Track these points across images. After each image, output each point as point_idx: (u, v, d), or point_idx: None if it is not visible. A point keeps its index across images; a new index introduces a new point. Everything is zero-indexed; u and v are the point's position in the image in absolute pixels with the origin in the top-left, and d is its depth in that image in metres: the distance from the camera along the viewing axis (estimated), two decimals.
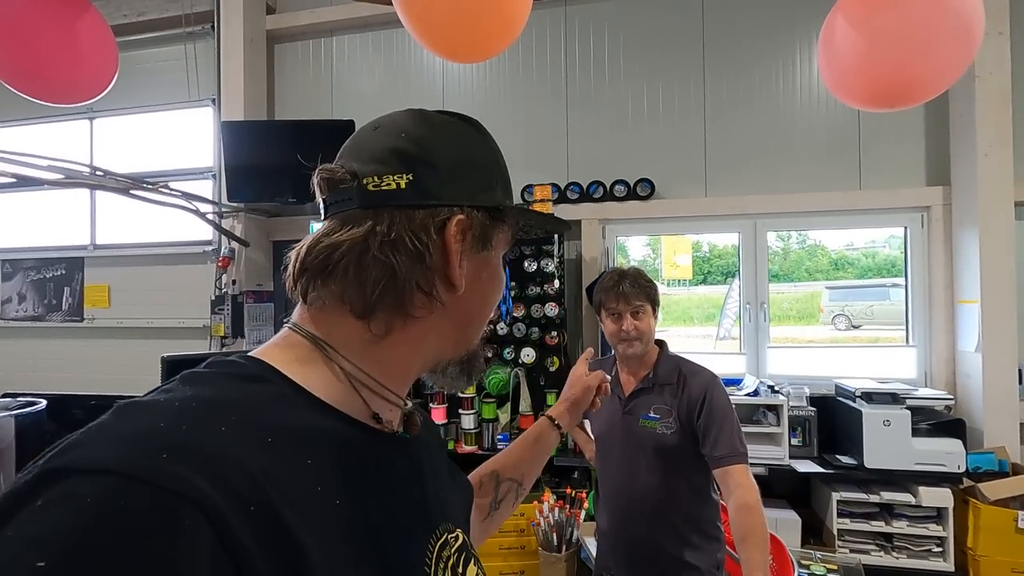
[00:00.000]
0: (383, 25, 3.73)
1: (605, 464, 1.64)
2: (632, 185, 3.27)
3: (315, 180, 0.51)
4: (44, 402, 1.22)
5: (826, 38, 1.38)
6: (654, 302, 1.58)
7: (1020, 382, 2.77)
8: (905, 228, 3.10)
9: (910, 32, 1.17)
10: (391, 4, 1.44)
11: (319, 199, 0.52)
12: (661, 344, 1.65)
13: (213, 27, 3.80)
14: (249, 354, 0.47)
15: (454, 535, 0.55)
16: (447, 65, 3.65)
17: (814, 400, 2.87)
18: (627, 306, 1.55)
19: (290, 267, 0.49)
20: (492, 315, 0.59)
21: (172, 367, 1.24)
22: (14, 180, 2.46)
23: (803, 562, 2.33)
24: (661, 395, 1.56)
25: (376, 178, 0.48)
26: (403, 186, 0.48)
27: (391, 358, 0.50)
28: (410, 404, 0.56)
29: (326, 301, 0.48)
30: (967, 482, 2.56)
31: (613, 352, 1.69)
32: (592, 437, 1.82)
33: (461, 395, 3.07)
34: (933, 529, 2.56)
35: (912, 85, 1.20)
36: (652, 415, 1.54)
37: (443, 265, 0.49)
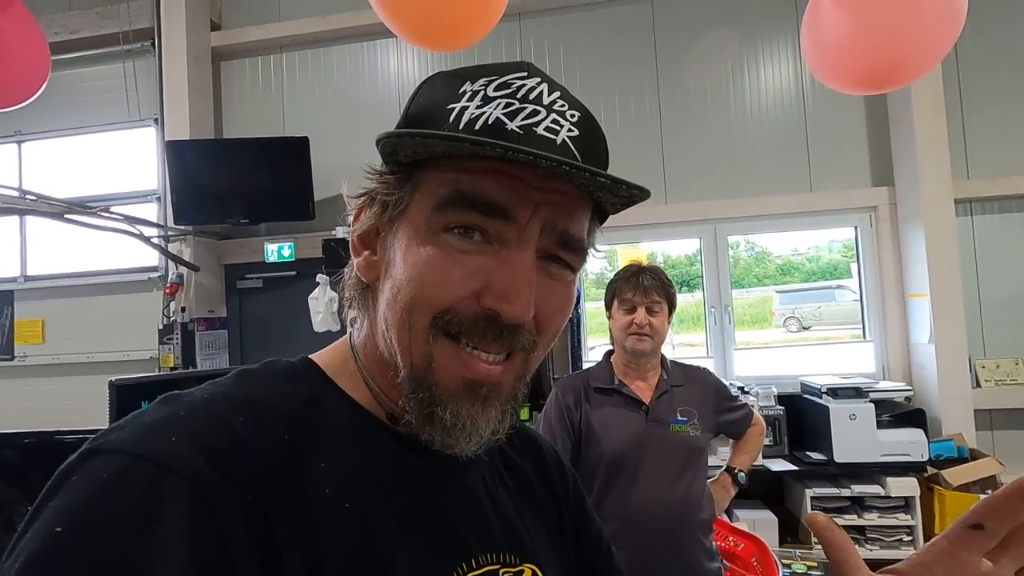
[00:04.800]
0: (334, 40, 3.66)
1: (623, 486, 1.45)
2: None
3: None
4: None
5: (811, 23, 1.42)
6: (671, 304, 1.51)
7: (970, 370, 2.90)
8: (856, 228, 3.22)
9: (898, 12, 1.21)
10: None
11: None
12: None
13: (154, 44, 3.64)
14: (308, 356, 0.49)
15: (517, 569, 0.49)
16: (402, 80, 3.60)
17: (781, 399, 2.92)
18: (644, 299, 1.47)
19: None
20: (423, 316, 0.41)
21: (122, 392, 1.12)
22: None
23: (784, 561, 2.34)
24: (678, 397, 1.51)
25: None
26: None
27: (375, 363, 0.48)
28: None
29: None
30: (931, 470, 2.64)
31: (606, 356, 1.63)
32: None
33: None
34: (902, 518, 2.62)
35: (900, 65, 1.23)
36: (680, 418, 1.47)
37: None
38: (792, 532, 2.77)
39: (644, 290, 1.47)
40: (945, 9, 1.19)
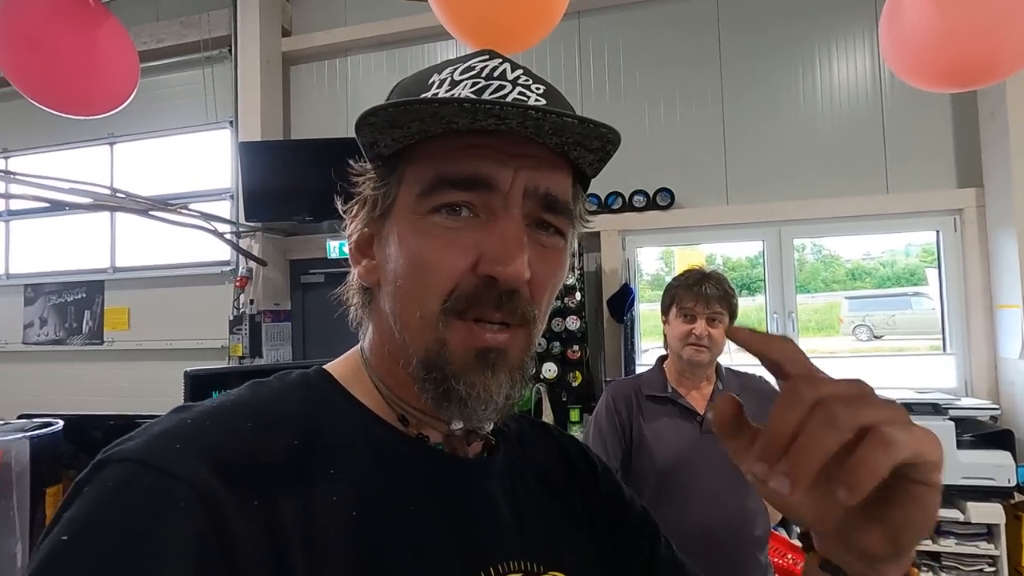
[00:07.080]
0: (398, 43, 3.75)
1: (677, 498, 1.40)
2: (652, 195, 3.22)
3: None
4: (61, 423, 1.17)
5: (891, 17, 1.31)
6: (733, 314, 1.44)
7: None
8: (937, 232, 3.00)
9: (988, 2, 1.09)
10: None
11: None
12: None
13: (230, 51, 3.85)
14: (322, 366, 0.50)
15: None
16: None
17: None
18: (705, 309, 1.40)
19: None
20: (432, 302, 0.42)
21: (195, 381, 1.20)
22: (47, 204, 2.47)
23: None
24: None
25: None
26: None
27: (384, 364, 0.48)
28: (457, 425, 0.47)
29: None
30: (1018, 496, 2.42)
31: (659, 362, 1.58)
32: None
33: None
34: (984, 547, 2.42)
35: (994, 58, 1.11)
36: None
37: None
38: None
39: (706, 300, 1.40)
40: None
